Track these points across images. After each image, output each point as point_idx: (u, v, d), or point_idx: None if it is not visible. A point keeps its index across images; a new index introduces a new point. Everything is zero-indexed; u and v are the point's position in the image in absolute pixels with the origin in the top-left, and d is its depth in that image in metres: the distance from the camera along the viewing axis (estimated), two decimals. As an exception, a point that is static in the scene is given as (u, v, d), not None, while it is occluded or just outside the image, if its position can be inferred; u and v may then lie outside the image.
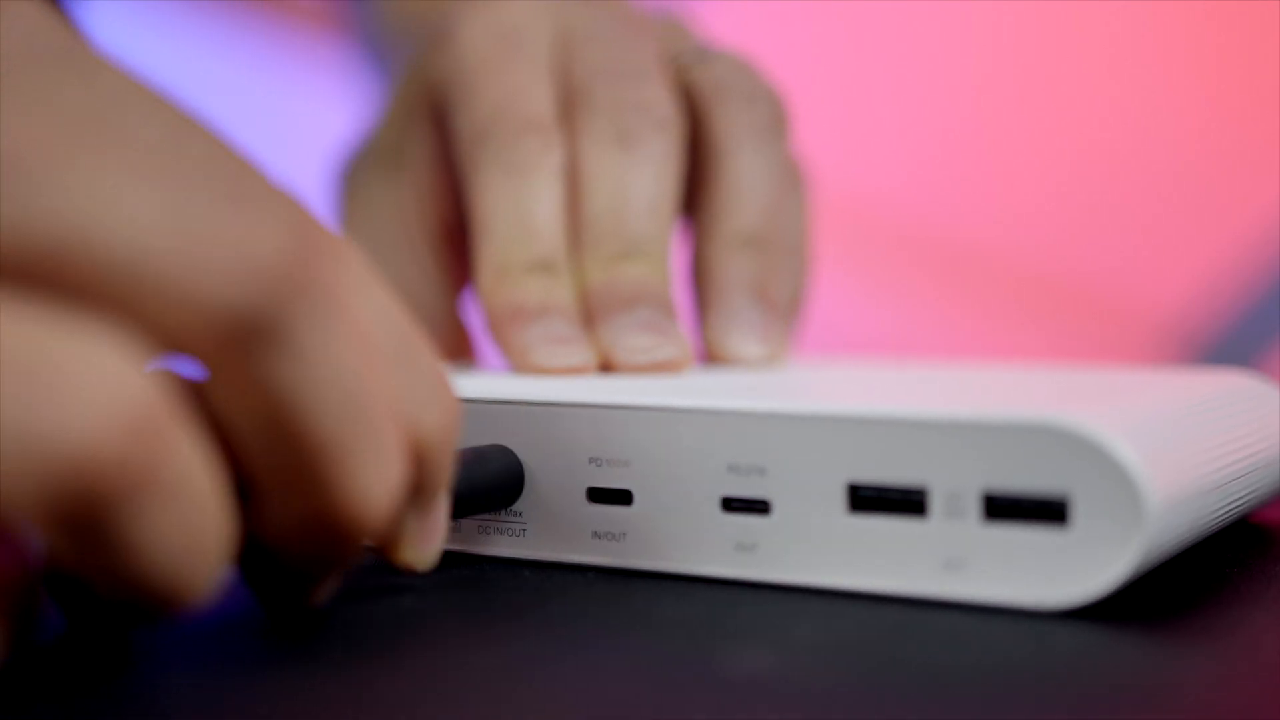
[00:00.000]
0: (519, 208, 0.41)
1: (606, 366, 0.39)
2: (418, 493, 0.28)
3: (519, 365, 0.39)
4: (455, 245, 0.46)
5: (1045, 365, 0.40)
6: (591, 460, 0.31)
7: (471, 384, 0.34)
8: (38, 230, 0.22)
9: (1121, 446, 0.27)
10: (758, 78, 0.45)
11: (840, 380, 0.38)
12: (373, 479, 0.25)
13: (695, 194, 0.44)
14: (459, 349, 0.47)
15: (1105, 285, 0.89)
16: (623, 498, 0.31)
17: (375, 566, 0.32)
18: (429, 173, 0.45)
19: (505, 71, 0.43)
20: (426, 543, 0.28)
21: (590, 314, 0.40)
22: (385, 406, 0.25)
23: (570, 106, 0.43)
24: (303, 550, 0.26)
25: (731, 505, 0.30)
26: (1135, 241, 0.88)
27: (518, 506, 0.32)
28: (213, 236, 0.23)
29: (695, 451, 0.30)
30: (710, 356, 0.42)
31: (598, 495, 0.31)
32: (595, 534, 0.31)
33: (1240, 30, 0.87)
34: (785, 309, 0.43)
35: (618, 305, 0.40)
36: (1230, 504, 0.32)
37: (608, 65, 0.43)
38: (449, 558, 0.33)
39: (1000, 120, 0.91)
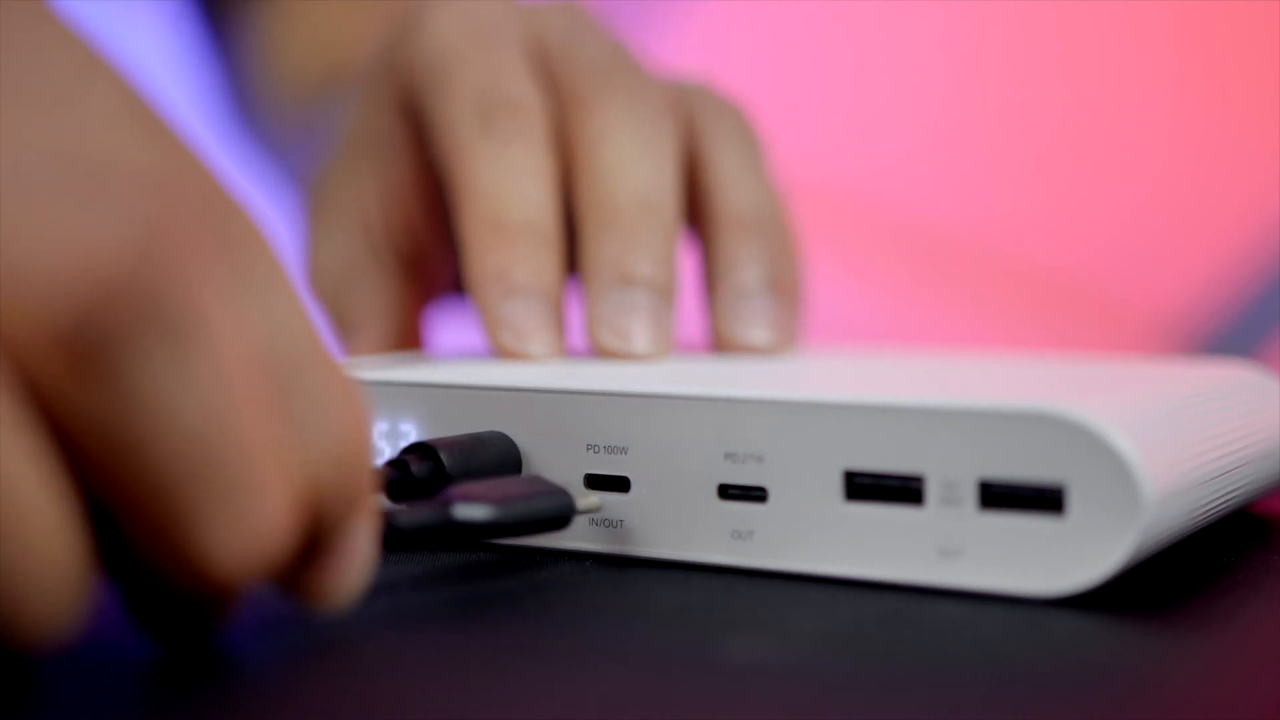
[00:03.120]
0: (509, 172, 0.40)
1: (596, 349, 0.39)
2: (319, 538, 0.24)
3: (489, 332, 0.38)
4: (420, 250, 0.45)
5: (1043, 356, 0.40)
6: (589, 447, 0.31)
7: (469, 370, 0.34)
8: None
9: (1118, 436, 0.27)
10: (723, 96, 0.45)
11: (837, 368, 0.38)
12: (232, 534, 0.21)
13: (689, 187, 0.43)
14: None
15: (1105, 278, 0.89)
16: (620, 485, 0.31)
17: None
18: (397, 164, 0.44)
19: (483, 56, 0.42)
20: (333, 586, 0.24)
21: (584, 282, 0.39)
22: (261, 449, 0.22)
23: (560, 96, 0.42)
24: (174, 589, 0.23)
25: (728, 492, 0.30)
26: (1136, 234, 0.88)
27: (515, 493, 0.32)
28: (41, 233, 0.20)
29: (692, 439, 0.30)
30: (719, 344, 0.41)
31: (595, 482, 0.31)
32: (592, 521, 0.31)
33: (1241, 24, 0.87)
34: (792, 293, 0.42)
35: (615, 280, 0.39)
36: (1228, 494, 0.32)
37: (595, 63, 0.42)
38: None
39: (999, 117, 0.91)
